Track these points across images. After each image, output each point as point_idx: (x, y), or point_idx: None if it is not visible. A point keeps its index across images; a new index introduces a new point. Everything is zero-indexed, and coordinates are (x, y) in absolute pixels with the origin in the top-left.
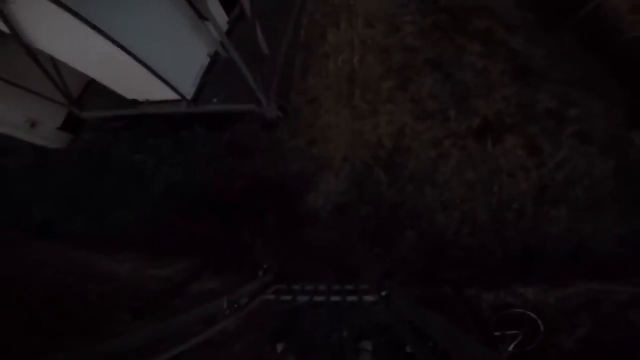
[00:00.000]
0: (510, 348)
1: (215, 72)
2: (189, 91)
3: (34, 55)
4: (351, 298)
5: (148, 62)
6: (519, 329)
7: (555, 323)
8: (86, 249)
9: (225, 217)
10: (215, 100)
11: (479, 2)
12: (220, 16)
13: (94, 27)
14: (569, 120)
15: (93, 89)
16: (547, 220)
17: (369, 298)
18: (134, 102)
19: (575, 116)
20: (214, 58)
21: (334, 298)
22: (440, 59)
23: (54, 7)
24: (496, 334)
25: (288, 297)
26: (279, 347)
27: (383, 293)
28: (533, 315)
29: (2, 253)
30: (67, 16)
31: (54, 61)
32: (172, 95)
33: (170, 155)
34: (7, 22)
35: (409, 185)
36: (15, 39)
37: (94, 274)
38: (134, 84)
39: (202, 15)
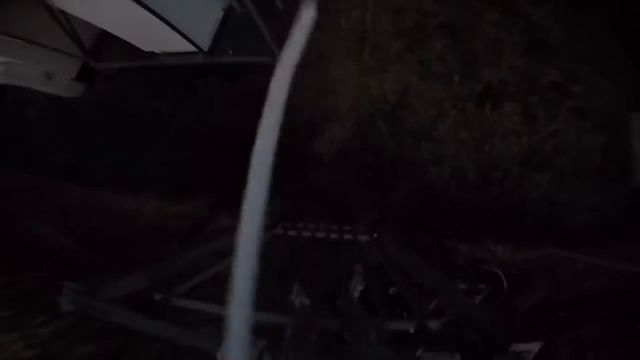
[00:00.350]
0: (477, 301)
1: (230, 26)
2: (205, 43)
3: (51, 11)
4: (348, 237)
5: (166, 15)
6: (486, 284)
7: (517, 283)
8: (110, 190)
9: (238, 158)
10: (230, 52)
11: None
12: None
13: None
14: (571, 95)
15: (107, 40)
16: (529, 184)
17: (363, 238)
18: (151, 54)
19: (578, 92)
20: (228, 12)
21: (333, 235)
22: (453, 25)
23: None
24: (464, 287)
25: (294, 233)
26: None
27: (375, 235)
28: (501, 274)
29: (30, 196)
30: None
31: (66, 14)
32: (189, 47)
33: (186, 102)
34: None
35: (408, 138)
36: None
37: (119, 213)
38: (152, 36)
39: None
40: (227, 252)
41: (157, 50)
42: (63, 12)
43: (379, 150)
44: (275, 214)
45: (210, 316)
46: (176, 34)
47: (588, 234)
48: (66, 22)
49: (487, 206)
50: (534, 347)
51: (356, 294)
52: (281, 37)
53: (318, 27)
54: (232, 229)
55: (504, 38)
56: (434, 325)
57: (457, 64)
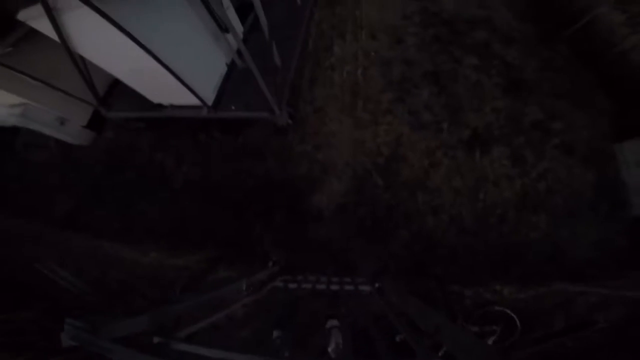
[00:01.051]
0: (490, 342)
1: (232, 81)
2: (210, 98)
3: (76, 60)
4: (348, 287)
5: (176, 70)
6: (497, 325)
7: (530, 321)
8: (109, 239)
9: (238, 213)
10: (233, 107)
11: (481, 14)
12: (238, 28)
13: (131, 37)
14: (554, 132)
15: (118, 91)
16: (527, 226)
17: (364, 288)
18: (159, 106)
19: (560, 129)
20: (231, 67)
21: (334, 287)
22: (437, 72)
23: (98, 18)
24: (475, 329)
25: (294, 285)
26: (275, 334)
27: (377, 285)
28: (511, 313)
29: (30, 241)
30: (108, 26)
31: (85, 64)
32: (195, 101)
33: (189, 155)
34: (57, 29)
35: (403, 190)
36: (63, 45)
37: (118, 262)
38: (161, 89)
39: (222, 27)
40: (226, 303)
41: (164, 103)
42: (82, 58)
43: (375, 203)
44: (276, 268)
45: None
46: (184, 87)
47: (594, 267)
48: (84, 69)
49: (487, 250)
50: None
51: (339, 347)
52: (279, 94)
53: (314, 82)
54: (231, 281)
55: (484, 81)
56: None
57: (444, 111)
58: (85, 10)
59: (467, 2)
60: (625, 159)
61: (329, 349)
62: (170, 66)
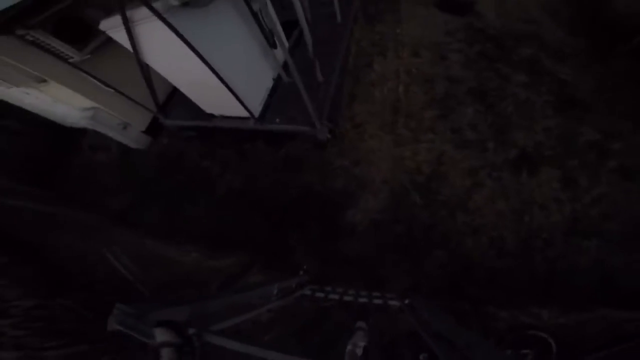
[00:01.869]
0: None
1: (277, 95)
2: (257, 110)
3: (144, 69)
4: (377, 302)
5: (229, 83)
6: (532, 349)
7: (570, 347)
8: (155, 238)
9: (275, 222)
10: (277, 120)
11: (528, 29)
12: (284, 44)
13: (194, 50)
14: (611, 154)
15: (175, 100)
16: (576, 251)
17: (393, 303)
18: (210, 116)
19: (619, 150)
20: (276, 82)
21: (362, 299)
22: (483, 90)
23: (167, 31)
24: (508, 352)
25: (321, 294)
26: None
27: (406, 301)
28: (545, 335)
29: (85, 234)
30: (175, 39)
31: (149, 69)
32: (243, 113)
33: (234, 164)
34: (132, 39)
35: (442, 209)
36: (135, 55)
37: (160, 260)
38: (214, 100)
39: (271, 42)
40: (255, 305)
41: (215, 113)
42: (148, 68)
43: (412, 221)
44: (305, 277)
45: (241, 356)
46: (235, 99)
47: None
48: (149, 77)
49: (529, 274)
50: None
51: (358, 351)
52: (320, 109)
53: (353, 98)
54: (269, 282)
55: (534, 99)
56: None
57: (490, 130)
58: (158, 23)
59: (513, 17)
60: None
61: (347, 347)
62: (225, 79)
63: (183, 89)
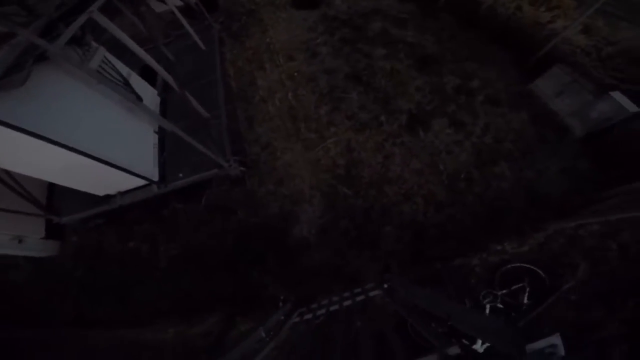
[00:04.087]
0: (526, 300)
1: (169, 147)
2: (153, 173)
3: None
4: (360, 298)
5: (102, 156)
6: (521, 281)
7: (553, 269)
8: (125, 327)
9: (231, 269)
10: (181, 175)
11: (369, 5)
12: (150, 92)
13: (43, 138)
14: (475, 91)
15: (59, 193)
16: (494, 178)
17: (375, 293)
18: (107, 197)
19: (478, 86)
20: (161, 134)
21: (347, 303)
22: (356, 73)
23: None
24: (504, 291)
25: (310, 316)
26: None
27: (385, 285)
28: (528, 265)
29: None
30: (16, 134)
31: (11, 175)
32: (140, 181)
33: (160, 235)
34: None
35: (370, 189)
36: None
37: (145, 345)
38: (99, 180)
39: (136, 96)
40: (254, 354)
41: (111, 192)
42: (7, 172)
43: (351, 212)
44: (288, 305)
45: None
46: (120, 172)
47: (574, 195)
48: (13, 182)
49: (471, 215)
50: (555, 339)
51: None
52: (220, 145)
53: (251, 120)
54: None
55: (398, 67)
56: (453, 351)
57: (376, 105)
58: None
59: None
60: (544, 93)
61: None
62: (94, 154)
63: (56, 182)
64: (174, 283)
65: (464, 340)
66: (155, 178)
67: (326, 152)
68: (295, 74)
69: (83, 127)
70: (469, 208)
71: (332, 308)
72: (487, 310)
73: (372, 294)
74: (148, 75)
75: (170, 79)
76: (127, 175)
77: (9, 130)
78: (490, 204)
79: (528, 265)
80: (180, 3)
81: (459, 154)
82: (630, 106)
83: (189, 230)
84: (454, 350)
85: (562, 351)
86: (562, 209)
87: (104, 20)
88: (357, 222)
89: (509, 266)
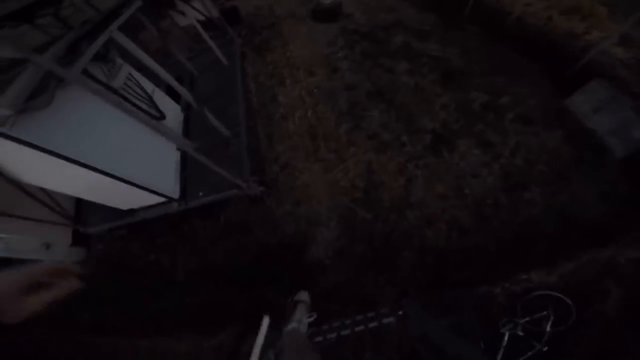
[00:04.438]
0: (548, 328)
1: (191, 166)
2: (174, 191)
3: (27, 190)
4: (373, 324)
5: (124, 175)
6: (546, 309)
7: (582, 296)
8: (143, 337)
9: (247, 287)
10: (200, 194)
11: (390, 18)
12: (173, 109)
13: (59, 155)
14: (505, 108)
15: (86, 205)
16: (523, 204)
17: (388, 320)
18: (131, 211)
19: (508, 102)
20: (184, 152)
21: (358, 328)
22: (378, 89)
23: (18, 147)
24: (526, 319)
25: (320, 338)
26: None
27: (400, 312)
28: (555, 293)
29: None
30: (42, 155)
31: (44, 189)
32: (161, 198)
33: (180, 248)
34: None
35: (391, 213)
36: (6, 179)
37: (162, 353)
38: (123, 196)
39: (157, 114)
40: None
41: (134, 207)
42: (42, 188)
43: (370, 236)
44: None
45: None
46: (142, 190)
47: (612, 219)
48: (45, 196)
49: (497, 241)
50: None
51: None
52: (239, 165)
53: (271, 138)
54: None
55: (422, 83)
56: None
57: (399, 124)
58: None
59: (374, 10)
60: (580, 110)
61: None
62: (116, 174)
63: (83, 197)
64: (190, 296)
65: None
66: (176, 196)
67: (345, 174)
68: (315, 90)
69: (107, 147)
70: (494, 235)
71: (343, 332)
72: (506, 339)
73: (385, 320)
74: (174, 91)
75: (189, 97)
76: (147, 192)
77: (37, 152)
78: (518, 231)
79: (553, 293)
80: (202, 18)
81: (486, 177)
82: None
83: (207, 246)
84: None
85: None
86: (598, 237)
87: (124, 40)
88: (374, 246)
89: (535, 294)
